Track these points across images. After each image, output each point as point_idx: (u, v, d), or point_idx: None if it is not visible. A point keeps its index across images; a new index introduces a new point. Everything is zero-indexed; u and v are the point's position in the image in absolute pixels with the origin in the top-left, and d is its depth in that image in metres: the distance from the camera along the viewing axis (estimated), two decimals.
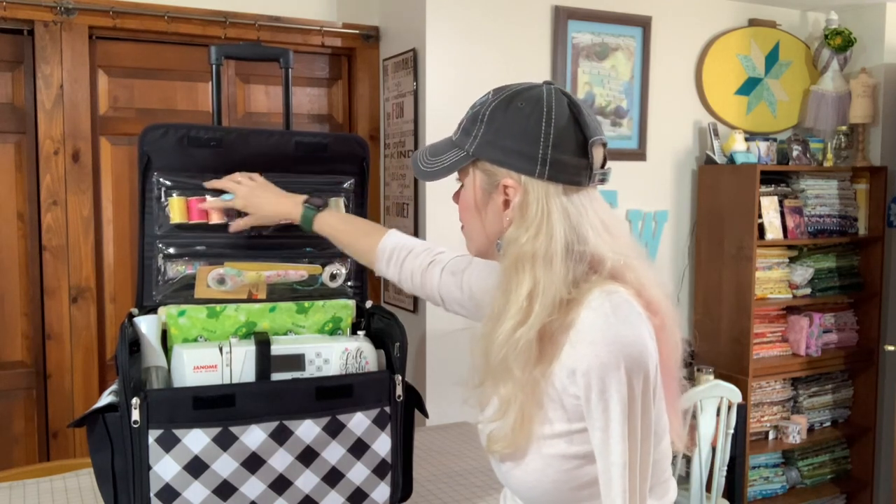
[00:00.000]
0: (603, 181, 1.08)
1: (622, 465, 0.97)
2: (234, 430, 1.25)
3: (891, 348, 3.45)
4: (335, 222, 1.46)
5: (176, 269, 1.44)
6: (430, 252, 1.41)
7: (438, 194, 2.85)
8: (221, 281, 1.43)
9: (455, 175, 1.14)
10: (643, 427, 0.98)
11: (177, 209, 1.44)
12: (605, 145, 1.08)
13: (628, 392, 0.96)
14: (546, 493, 1.05)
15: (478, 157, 1.07)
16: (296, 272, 1.48)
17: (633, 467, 0.97)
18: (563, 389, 1.01)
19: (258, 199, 1.44)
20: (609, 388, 0.96)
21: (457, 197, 1.16)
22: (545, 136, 1.03)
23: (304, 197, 1.47)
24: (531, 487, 1.05)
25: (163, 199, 1.44)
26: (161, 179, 1.44)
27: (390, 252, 1.42)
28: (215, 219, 1.46)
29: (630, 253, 1.06)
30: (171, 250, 1.44)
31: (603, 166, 1.08)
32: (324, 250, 1.54)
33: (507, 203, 1.06)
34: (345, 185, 1.58)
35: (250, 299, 1.46)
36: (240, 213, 1.46)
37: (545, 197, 1.03)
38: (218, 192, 1.46)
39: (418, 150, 1.17)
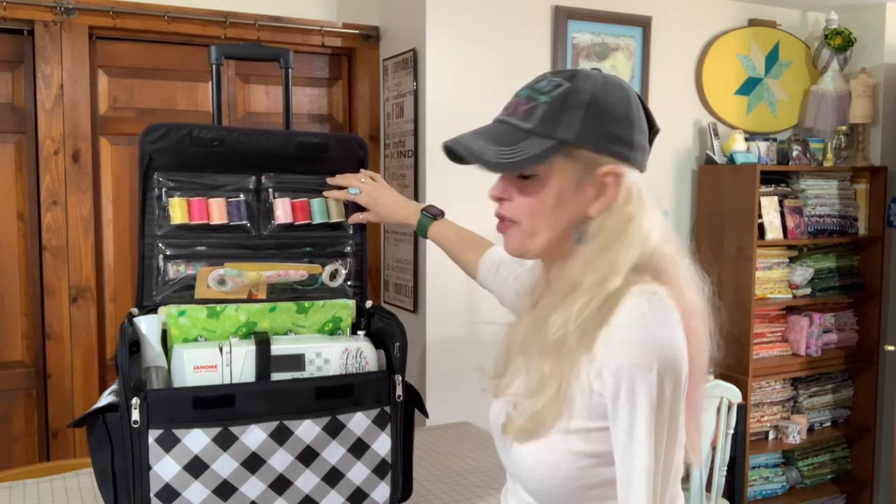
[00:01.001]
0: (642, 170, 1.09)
1: (646, 469, 0.94)
2: (234, 430, 1.25)
3: (891, 348, 3.45)
4: (448, 232, 1.58)
5: (176, 270, 1.44)
6: (520, 266, 1.43)
7: (438, 194, 2.85)
8: (222, 281, 1.43)
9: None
10: (669, 433, 0.96)
11: (178, 209, 1.44)
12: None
13: (658, 395, 0.94)
14: (555, 487, 1.03)
15: (579, 143, 1.01)
16: (296, 272, 1.48)
17: (657, 473, 0.95)
18: (588, 384, 0.99)
19: (382, 197, 1.57)
20: (638, 389, 0.94)
21: (503, 192, 1.07)
22: (638, 122, 1.03)
23: (423, 205, 1.59)
24: (540, 480, 1.03)
25: (163, 199, 1.44)
26: (162, 179, 1.44)
27: (489, 267, 1.49)
28: (216, 219, 1.46)
29: (676, 250, 1.06)
30: (172, 251, 1.44)
31: None
32: (323, 250, 1.54)
33: (600, 192, 1.03)
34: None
35: (250, 299, 1.46)
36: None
37: (636, 184, 1.03)
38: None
39: (468, 142, 1.04)
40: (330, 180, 1.56)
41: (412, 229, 1.64)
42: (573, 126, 1.01)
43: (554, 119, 1.01)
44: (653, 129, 1.07)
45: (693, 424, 1.07)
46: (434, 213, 1.59)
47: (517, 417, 1.05)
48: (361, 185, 1.55)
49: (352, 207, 1.59)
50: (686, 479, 3.13)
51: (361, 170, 1.59)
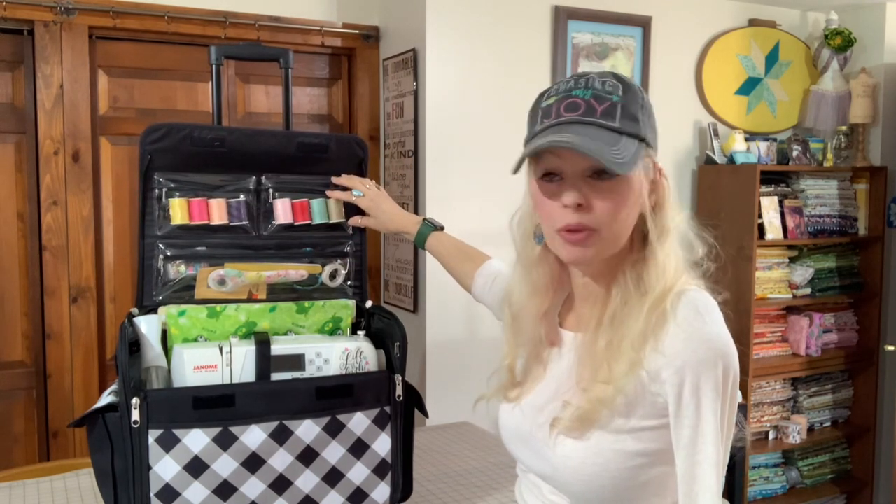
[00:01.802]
0: None
1: (714, 463, 0.96)
2: (234, 430, 1.25)
3: (891, 348, 3.45)
4: (446, 243, 1.60)
5: (176, 270, 1.44)
6: None
7: (438, 194, 2.85)
8: (222, 282, 1.43)
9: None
10: (729, 427, 0.99)
11: (178, 210, 1.43)
12: None
13: (723, 391, 0.97)
14: (603, 487, 1.02)
15: (651, 142, 1.07)
16: (296, 272, 1.48)
17: (720, 467, 0.98)
18: (644, 383, 1.00)
19: (384, 204, 1.58)
20: (704, 386, 0.96)
21: (583, 198, 1.01)
22: (654, 117, 1.09)
23: (423, 217, 1.63)
24: (588, 480, 1.03)
25: (164, 199, 1.44)
26: (162, 179, 1.44)
27: (485, 279, 1.51)
28: (216, 219, 1.46)
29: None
30: (172, 251, 1.44)
31: None
32: (323, 249, 1.54)
33: (652, 189, 1.07)
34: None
35: (250, 299, 1.46)
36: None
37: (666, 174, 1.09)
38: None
39: (580, 140, 0.98)
40: (335, 180, 1.56)
41: (409, 238, 1.65)
42: (647, 125, 1.05)
43: (633, 119, 1.02)
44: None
45: None
46: (434, 225, 1.62)
47: (569, 417, 1.04)
48: (366, 190, 1.57)
49: (352, 209, 1.59)
50: None
51: (366, 179, 1.60)
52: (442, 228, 1.63)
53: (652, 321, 1.00)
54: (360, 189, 1.56)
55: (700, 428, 0.97)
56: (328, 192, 1.55)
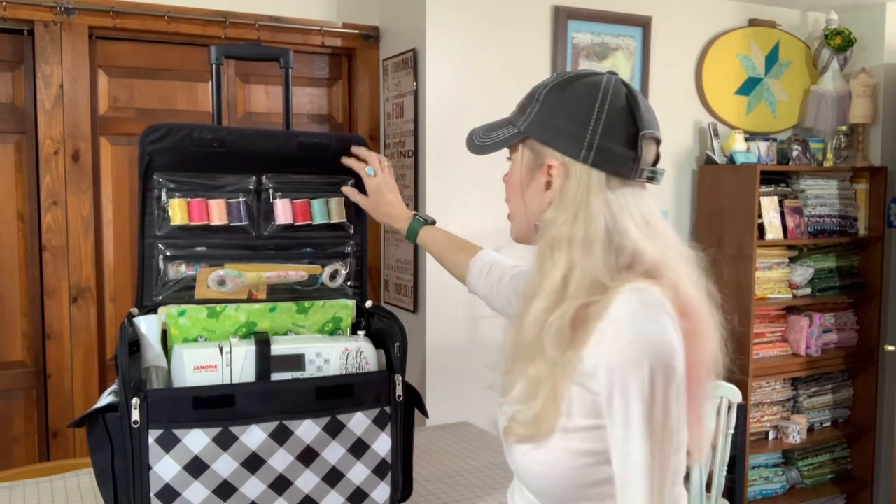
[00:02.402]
0: (652, 179, 1.07)
1: (642, 465, 0.95)
2: (234, 430, 1.25)
3: (891, 348, 3.45)
4: (438, 236, 1.59)
5: (176, 271, 1.44)
6: (513, 268, 1.44)
7: (438, 194, 2.85)
8: (222, 282, 1.43)
9: (496, 157, 1.17)
10: (664, 429, 0.96)
11: (177, 210, 1.43)
12: (658, 142, 1.08)
13: (650, 391, 0.94)
14: (552, 486, 1.03)
15: (528, 134, 1.08)
16: (296, 273, 1.48)
17: (653, 469, 0.95)
18: (582, 383, 0.99)
19: (385, 190, 1.56)
20: (631, 386, 0.94)
21: (507, 177, 1.16)
22: (595, 121, 1.03)
23: (413, 213, 1.60)
24: (539, 478, 1.04)
25: (164, 199, 1.44)
26: (162, 180, 1.44)
27: (480, 268, 1.50)
28: (216, 220, 1.46)
29: (672, 252, 1.05)
30: (172, 251, 1.44)
31: (655, 164, 1.08)
32: (324, 250, 1.54)
33: (549, 184, 1.06)
34: (348, 186, 1.58)
35: (250, 299, 1.46)
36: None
37: (587, 182, 1.03)
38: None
39: (476, 127, 1.19)
40: (355, 149, 1.55)
41: (398, 231, 1.63)
42: (530, 117, 1.08)
43: (521, 110, 1.11)
44: (638, 140, 1.04)
45: (696, 423, 1.06)
46: (426, 219, 1.60)
47: (516, 426, 1.05)
48: (379, 171, 1.55)
49: (353, 207, 1.58)
50: (686, 478, 3.13)
51: (381, 155, 1.59)
52: (433, 223, 1.61)
53: (539, 324, 1.00)
54: (375, 168, 1.55)
55: (630, 428, 0.95)
56: (343, 159, 1.54)
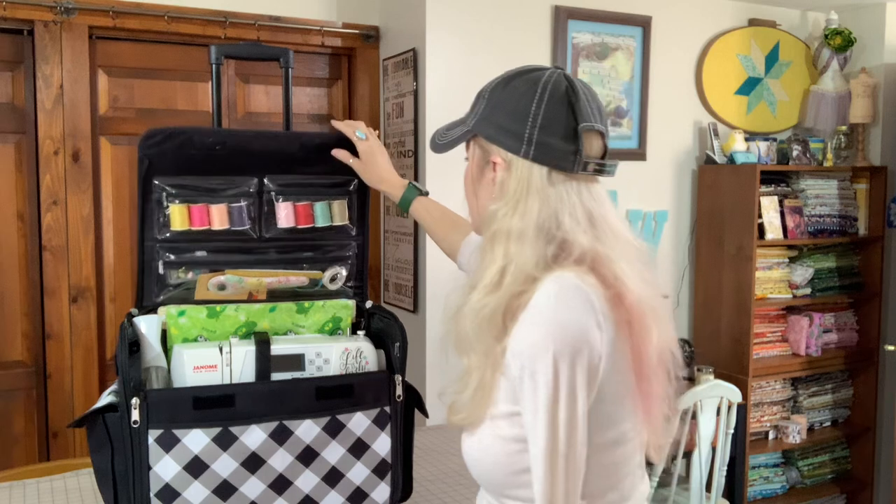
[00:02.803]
0: (600, 172, 1.06)
1: (543, 450, 0.95)
2: (234, 430, 1.25)
3: (891, 348, 3.45)
4: (432, 208, 1.58)
5: (176, 276, 1.43)
6: None
7: (438, 195, 2.85)
8: (222, 287, 1.43)
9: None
10: (568, 416, 0.96)
11: (178, 216, 1.42)
12: (603, 135, 1.07)
13: (553, 376, 0.95)
14: (488, 473, 1.05)
15: (476, 132, 1.10)
16: (297, 279, 1.48)
17: (555, 455, 0.95)
18: (505, 369, 1.01)
19: (379, 157, 1.54)
20: (538, 371, 0.95)
21: (464, 174, 1.19)
22: (534, 117, 1.04)
23: (408, 181, 1.58)
24: (476, 465, 1.06)
25: (164, 203, 1.42)
26: (162, 184, 1.43)
27: (472, 249, 1.47)
28: (217, 225, 1.45)
29: (618, 245, 1.04)
30: (172, 256, 1.43)
31: (603, 157, 1.07)
32: (326, 253, 1.53)
33: (495, 179, 1.08)
34: (349, 187, 1.57)
35: (250, 300, 1.46)
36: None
37: (527, 177, 1.04)
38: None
39: (440, 127, 1.22)
40: (335, 123, 1.55)
41: (393, 199, 1.61)
42: (477, 115, 1.11)
43: (472, 109, 1.13)
44: (577, 133, 1.04)
45: (648, 417, 1.06)
46: (420, 189, 1.58)
47: (452, 413, 1.07)
48: (369, 134, 1.54)
49: (356, 208, 1.57)
50: (686, 478, 3.13)
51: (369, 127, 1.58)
52: (427, 194, 1.60)
53: (478, 316, 1.02)
54: (364, 132, 1.54)
55: (537, 414, 0.96)
56: (332, 122, 1.54)
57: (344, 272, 1.54)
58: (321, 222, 1.52)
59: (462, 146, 1.16)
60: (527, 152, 1.04)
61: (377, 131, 1.60)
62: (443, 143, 1.17)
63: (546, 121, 1.04)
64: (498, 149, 1.07)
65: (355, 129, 1.54)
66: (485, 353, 1.02)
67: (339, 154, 1.52)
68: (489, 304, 1.01)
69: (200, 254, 1.44)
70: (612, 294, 1.01)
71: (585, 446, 0.98)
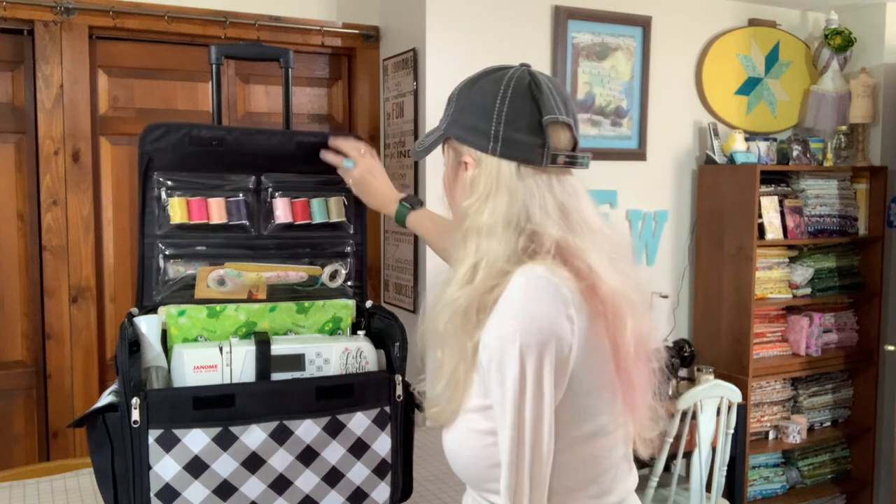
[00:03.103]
0: (571, 164, 1.06)
1: (510, 439, 0.96)
2: (235, 430, 1.25)
3: (891, 348, 3.45)
4: (427, 221, 1.56)
5: (176, 270, 1.44)
6: None
7: (439, 193, 2.85)
8: (221, 282, 1.43)
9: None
10: (536, 406, 0.96)
11: (177, 209, 1.43)
12: (570, 127, 1.07)
13: (519, 367, 0.95)
14: (464, 466, 1.06)
15: (448, 135, 1.12)
16: (296, 274, 1.48)
17: (521, 447, 0.96)
18: (477, 363, 1.01)
19: (374, 180, 1.53)
20: (505, 362, 0.96)
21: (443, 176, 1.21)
22: (498, 113, 1.05)
23: (402, 195, 1.56)
24: (454, 459, 1.07)
25: (163, 198, 1.44)
26: (161, 179, 1.44)
27: None
28: (215, 219, 1.46)
29: (592, 237, 1.05)
30: (172, 250, 1.44)
31: (574, 149, 1.07)
32: (323, 250, 1.54)
33: (467, 179, 1.09)
34: (345, 185, 1.58)
35: (250, 299, 1.46)
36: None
37: (497, 173, 1.05)
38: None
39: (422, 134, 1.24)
40: (332, 141, 1.51)
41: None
42: (448, 118, 1.13)
43: (444, 113, 1.15)
44: (543, 125, 1.04)
45: (633, 409, 1.06)
46: (412, 203, 1.57)
47: (430, 406, 1.09)
48: (359, 158, 1.51)
49: (353, 206, 1.58)
50: (686, 478, 3.13)
51: (361, 142, 1.54)
52: (421, 205, 1.58)
53: (462, 307, 1.02)
54: (353, 157, 1.50)
55: (505, 405, 0.96)
56: (322, 153, 1.51)
57: (343, 269, 1.54)
58: (318, 219, 1.53)
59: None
60: (494, 149, 1.05)
61: (367, 146, 1.55)
62: (420, 149, 1.19)
63: (510, 116, 1.05)
64: (468, 148, 1.08)
65: (343, 160, 1.50)
66: (458, 348, 1.03)
67: (326, 156, 1.50)
68: (461, 298, 1.02)
69: (200, 248, 1.45)
70: (585, 286, 1.01)
71: (552, 438, 0.98)
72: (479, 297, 1.02)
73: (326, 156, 1.51)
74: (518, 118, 1.05)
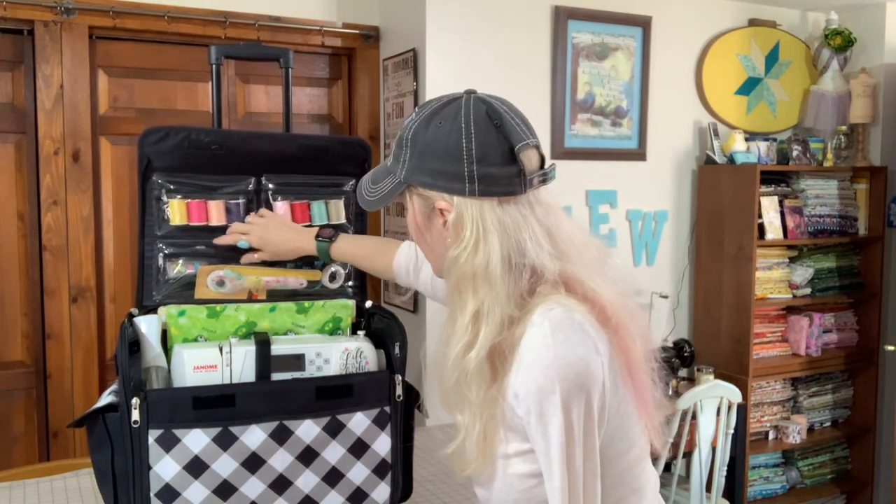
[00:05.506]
0: (545, 181, 1.04)
1: (560, 489, 0.95)
2: (235, 430, 1.25)
3: (891, 348, 3.45)
4: (351, 248, 1.48)
5: (176, 270, 1.44)
6: None
7: None
8: (221, 283, 1.43)
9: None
10: (586, 451, 0.96)
11: (177, 211, 1.43)
12: (537, 147, 1.05)
13: (564, 417, 0.94)
14: None
15: (409, 182, 1.05)
16: (295, 280, 1.48)
17: (575, 491, 0.95)
18: (511, 410, 0.99)
19: (271, 236, 1.46)
20: (546, 413, 0.94)
21: (409, 221, 1.13)
22: (468, 153, 1.00)
23: (315, 230, 1.48)
24: (499, 502, 1.05)
25: (163, 199, 1.44)
26: (161, 181, 1.44)
27: (405, 267, 1.47)
28: (215, 220, 1.46)
29: (583, 257, 1.03)
30: (172, 251, 1.44)
31: (542, 167, 1.05)
32: None
33: (445, 223, 1.04)
34: (345, 187, 1.58)
35: (250, 300, 1.46)
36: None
37: (479, 214, 1.00)
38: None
39: (364, 177, 1.15)
40: (217, 241, 1.45)
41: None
42: (405, 166, 1.04)
43: (396, 158, 1.06)
44: (515, 155, 1.01)
45: (647, 415, 1.07)
46: (328, 237, 1.48)
47: (460, 466, 1.05)
48: (248, 229, 1.45)
49: (353, 208, 1.58)
50: (686, 478, 3.13)
51: (251, 213, 1.48)
52: (335, 235, 1.49)
53: (475, 361, 0.99)
54: (243, 235, 1.45)
55: (550, 455, 0.95)
56: (216, 240, 1.45)
57: (343, 270, 1.54)
58: (318, 221, 1.53)
59: None
60: (472, 190, 1.00)
61: (253, 213, 1.50)
62: (373, 198, 1.10)
63: (481, 153, 1.00)
64: (439, 194, 1.02)
65: (235, 230, 1.45)
66: (478, 404, 1.00)
67: (248, 259, 1.46)
68: (471, 358, 0.99)
69: (200, 248, 1.45)
70: (597, 311, 1.00)
71: (600, 469, 0.98)
72: (487, 350, 0.99)
73: (220, 240, 1.46)
74: (489, 153, 1.00)
